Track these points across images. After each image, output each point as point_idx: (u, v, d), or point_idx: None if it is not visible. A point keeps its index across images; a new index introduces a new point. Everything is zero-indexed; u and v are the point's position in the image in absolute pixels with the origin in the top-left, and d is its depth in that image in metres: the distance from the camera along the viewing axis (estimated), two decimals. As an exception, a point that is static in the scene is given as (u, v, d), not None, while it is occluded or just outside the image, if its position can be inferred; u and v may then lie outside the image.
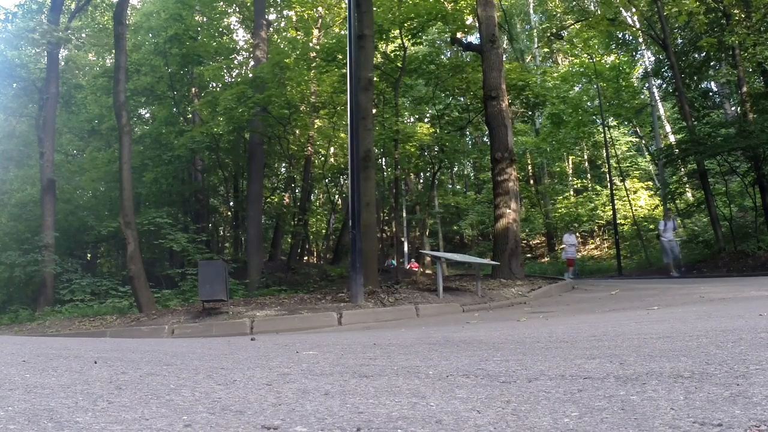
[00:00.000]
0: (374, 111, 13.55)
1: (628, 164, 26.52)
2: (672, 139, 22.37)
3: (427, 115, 23.94)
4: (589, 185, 28.03)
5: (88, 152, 22.31)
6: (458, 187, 34.51)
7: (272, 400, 1.45)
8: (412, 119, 25.22)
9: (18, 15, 16.41)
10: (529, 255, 27.22)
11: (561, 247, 20.36)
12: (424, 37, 18.03)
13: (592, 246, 27.44)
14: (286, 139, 18.44)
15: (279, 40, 22.47)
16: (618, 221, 21.52)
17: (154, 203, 20.65)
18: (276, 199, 22.61)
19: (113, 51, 14.08)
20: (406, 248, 27.23)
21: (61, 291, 13.84)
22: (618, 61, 23.28)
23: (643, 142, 26.19)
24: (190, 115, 20.87)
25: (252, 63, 19.68)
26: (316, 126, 21.39)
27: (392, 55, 16.89)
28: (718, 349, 1.93)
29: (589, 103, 24.07)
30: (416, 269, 21.62)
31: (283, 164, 23.53)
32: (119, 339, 5.91)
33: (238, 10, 23.82)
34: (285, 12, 24.03)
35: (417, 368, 1.95)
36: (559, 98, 21.14)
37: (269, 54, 17.70)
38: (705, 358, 1.77)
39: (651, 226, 23.75)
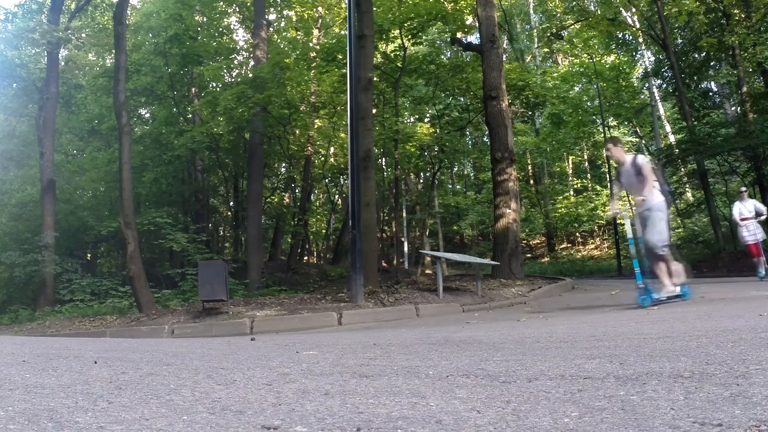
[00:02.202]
0: (374, 111, 13.55)
1: (628, 164, 26.48)
2: (672, 139, 22.37)
3: (427, 115, 23.94)
4: (589, 185, 28.03)
5: (88, 152, 22.31)
6: (458, 187, 34.50)
7: (272, 400, 1.45)
8: (412, 119, 25.22)
9: (18, 15, 16.40)
10: (529, 255, 27.21)
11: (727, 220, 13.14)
12: (424, 37, 18.04)
13: (592, 246, 27.44)
14: (286, 139, 18.45)
15: (279, 40, 22.47)
16: (618, 221, 21.51)
17: (154, 203, 20.65)
18: (276, 199, 22.61)
19: (113, 51, 14.08)
20: (406, 248, 27.22)
21: (61, 291, 13.83)
22: (618, 61, 23.29)
23: (643, 142, 26.18)
24: (190, 115, 20.87)
25: (252, 63, 19.69)
26: (316, 126, 21.39)
27: (392, 55, 16.89)
28: (718, 349, 1.93)
29: (589, 103, 24.08)
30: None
31: (283, 164, 23.53)
32: (119, 339, 5.91)
33: (238, 10, 23.82)
34: (285, 12, 24.04)
35: (417, 368, 1.95)
36: (559, 98, 21.15)
37: (269, 54, 17.71)
38: (705, 358, 1.77)
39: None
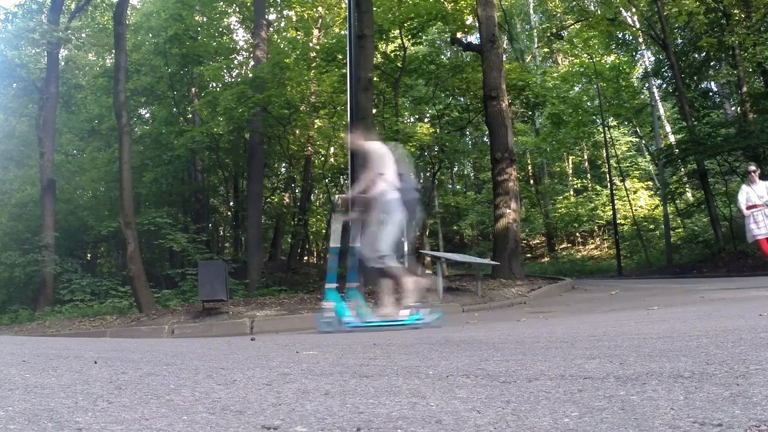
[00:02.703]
0: (374, 111, 13.55)
1: (628, 164, 26.55)
2: (672, 139, 22.38)
3: (427, 115, 23.95)
4: (589, 185, 28.04)
5: (88, 152, 22.32)
6: (458, 187, 34.51)
7: (272, 400, 1.45)
8: (412, 119, 25.22)
9: (18, 15, 16.40)
10: (529, 255, 27.23)
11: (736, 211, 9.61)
12: (424, 37, 18.04)
13: (592, 246, 27.44)
14: (286, 139, 18.45)
15: (279, 40, 22.48)
16: (618, 221, 21.53)
17: (154, 203, 20.66)
18: (276, 199, 22.61)
19: (113, 51, 14.09)
20: (406, 248, 27.20)
21: (61, 291, 13.84)
22: (618, 61, 23.30)
23: (643, 142, 26.20)
24: (190, 115, 20.88)
25: (252, 63, 19.70)
26: (316, 126, 21.40)
27: (392, 55, 16.90)
28: (718, 349, 1.93)
29: (589, 103, 24.08)
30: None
31: (283, 164, 23.54)
32: (119, 339, 5.91)
33: (238, 10, 23.84)
34: (285, 12, 24.05)
35: (417, 368, 1.95)
36: (559, 98, 21.16)
37: (269, 54, 17.71)
38: (705, 358, 1.77)
39: (651, 226, 23.77)
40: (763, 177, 7.86)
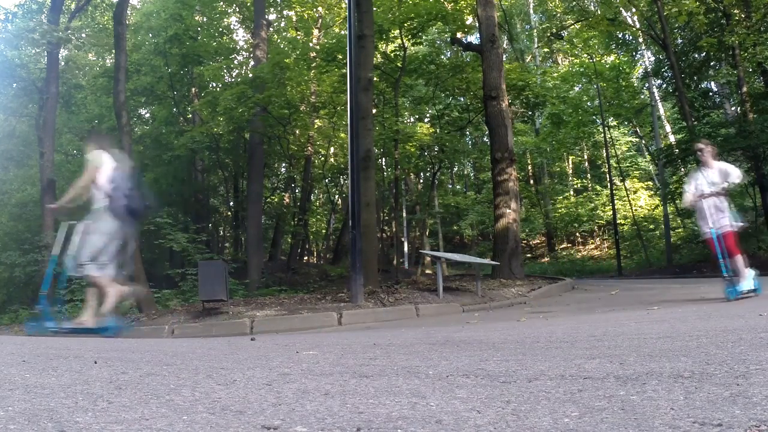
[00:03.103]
0: (374, 111, 13.55)
1: (628, 164, 26.56)
2: (672, 139, 22.38)
3: (427, 115, 23.95)
4: (589, 185, 28.04)
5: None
6: (458, 187, 34.51)
7: (272, 400, 1.45)
8: (412, 119, 25.22)
9: (18, 15, 16.39)
10: (529, 255, 27.22)
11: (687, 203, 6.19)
12: (424, 37, 18.04)
13: (592, 246, 27.44)
14: (286, 139, 18.45)
15: (279, 40, 22.49)
16: (618, 221, 21.54)
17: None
18: (276, 199, 22.62)
19: (113, 51, 14.09)
20: (406, 248, 27.22)
21: (61, 291, 13.82)
22: (618, 61, 23.30)
23: (643, 142, 26.19)
24: (190, 115, 20.88)
25: (252, 63, 19.71)
26: (316, 126, 21.41)
27: (392, 55, 16.90)
28: (718, 349, 1.93)
29: (589, 103, 24.08)
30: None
31: (283, 164, 23.55)
32: (119, 339, 5.91)
33: (238, 10, 23.84)
34: (285, 12, 24.05)
35: (417, 368, 1.95)
36: (559, 98, 21.15)
37: (269, 54, 17.72)
38: (705, 358, 1.77)
39: (651, 226, 23.77)
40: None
